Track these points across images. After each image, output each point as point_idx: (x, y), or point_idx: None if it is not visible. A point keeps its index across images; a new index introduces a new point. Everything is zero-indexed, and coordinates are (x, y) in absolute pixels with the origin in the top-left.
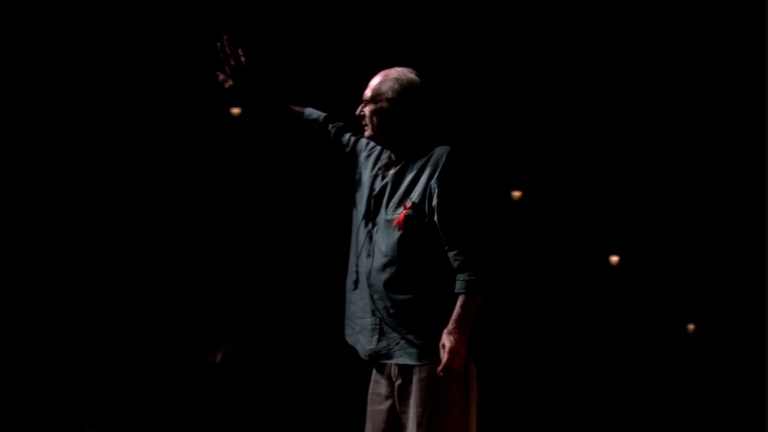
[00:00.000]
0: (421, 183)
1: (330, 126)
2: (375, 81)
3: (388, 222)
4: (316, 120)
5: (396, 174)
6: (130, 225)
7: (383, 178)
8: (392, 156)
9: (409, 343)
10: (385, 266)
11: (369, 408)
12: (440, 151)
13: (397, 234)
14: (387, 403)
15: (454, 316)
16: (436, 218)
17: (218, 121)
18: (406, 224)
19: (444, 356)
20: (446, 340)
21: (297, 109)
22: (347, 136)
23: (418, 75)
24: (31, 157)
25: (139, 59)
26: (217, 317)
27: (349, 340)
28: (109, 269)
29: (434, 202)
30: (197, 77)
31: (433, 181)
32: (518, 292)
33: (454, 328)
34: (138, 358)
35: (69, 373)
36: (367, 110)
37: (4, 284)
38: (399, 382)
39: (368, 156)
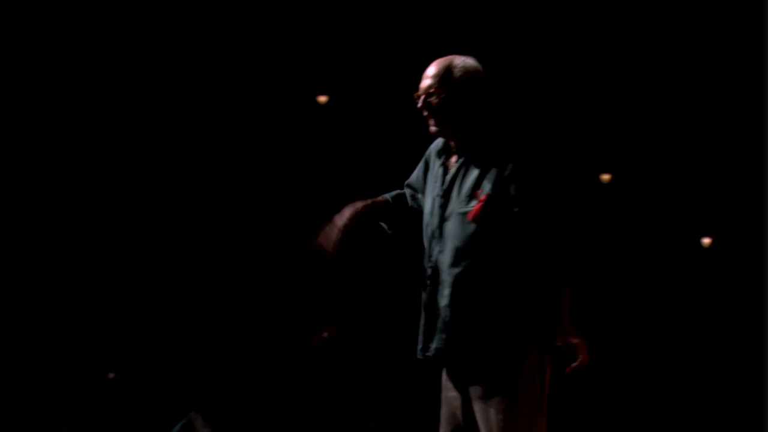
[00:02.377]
0: (494, 173)
1: (406, 194)
2: (435, 71)
3: (461, 215)
4: (401, 200)
5: (463, 165)
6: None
7: (446, 170)
8: (454, 146)
9: (484, 338)
10: (458, 260)
11: (443, 407)
12: (511, 139)
13: (471, 227)
14: (459, 398)
15: (562, 311)
16: (516, 208)
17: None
18: (482, 216)
19: (581, 354)
20: (572, 337)
21: (391, 204)
22: (412, 189)
23: (477, 61)
24: (33, 157)
25: (140, 59)
26: (319, 300)
27: (421, 338)
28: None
29: (513, 191)
30: (198, 76)
31: (509, 170)
32: (608, 279)
33: (567, 323)
34: (242, 341)
35: (175, 357)
36: (432, 102)
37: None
38: (473, 377)
39: (427, 166)
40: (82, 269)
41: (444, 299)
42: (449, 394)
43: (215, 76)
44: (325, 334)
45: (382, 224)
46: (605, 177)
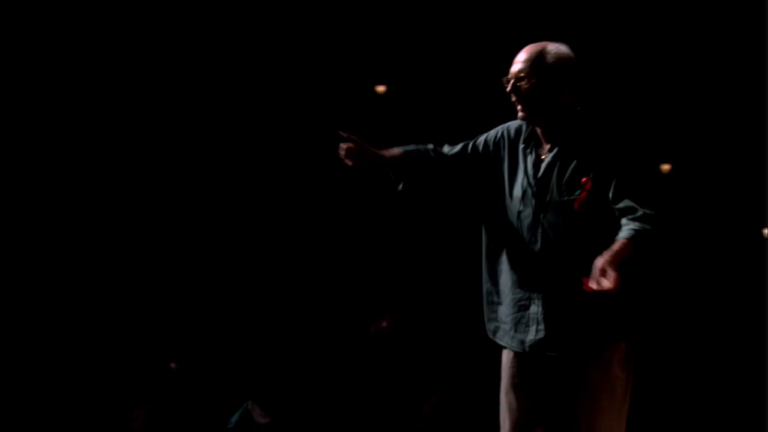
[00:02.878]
0: (594, 162)
1: (445, 151)
2: (527, 56)
3: (565, 204)
4: (426, 155)
5: (559, 153)
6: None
7: (538, 158)
8: (542, 134)
9: (583, 329)
10: (562, 251)
11: (510, 396)
12: (606, 124)
13: (577, 216)
14: (532, 392)
15: (617, 248)
16: (614, 191)
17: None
18: (589, 204)
19: (610, 274)
20: (608, 256)
21: (410, 155)
22: (460, 148)
23: (570, 49)
24: (33, 157)
25: (139, 59)
26: (378, 289)
27: (499, 336)
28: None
29: (617, 177)
30: (197, 77)
31: (609, 160)
32: (671, 270)
33: (613, 254)
34: (301, 331)
35: (235, 347)
36: (522, 87)
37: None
38: (559, 369)
39: (496, 144)
40: (143, 264)
41: (544, 290)
42: (525, 384)
43: (214, 76)
44: (384, 324)
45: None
46: (665, 167)
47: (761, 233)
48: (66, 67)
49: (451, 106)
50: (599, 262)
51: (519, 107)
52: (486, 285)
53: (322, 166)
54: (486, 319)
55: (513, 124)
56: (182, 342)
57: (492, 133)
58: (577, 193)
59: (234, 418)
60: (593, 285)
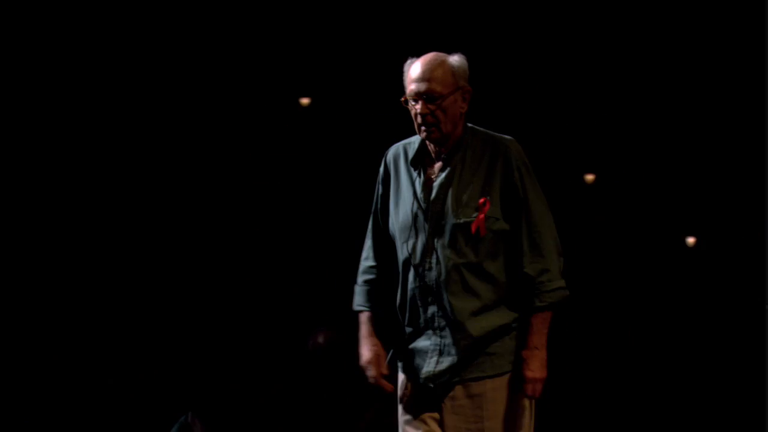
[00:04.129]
0: (491, 179)
1: (376, 268)
2: (435, 71)
3: (460, 226)
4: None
5: (452, 172)
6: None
7: (428, 180)
8: (435, 153)
9: (482, 356)
10: (457, 276)
11: (411, 427)
12: (501, 141)
13: (475, 238)
14: (433, 424)
15: (535, 335)
16: (514, 217)
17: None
18: (487, 226)
19: (530, 385)
20: (532, 366)
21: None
22: (373, 236)
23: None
24: (33, 157)
25: (138, 59)
26: (313, 303)
27: (402, 367)
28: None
29: (520, 197)
30: (195, 77)
31: (510, 177)
32: (594, 280)
33: (538, 351)
34: (239, 344)
35: (173, 359)
36: (436, 107)
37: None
38: (459, 399)
39: (386, 180)
40: (80, 269)
41: (435, 320)
42: (421, 409)
43: (212, 76)
44: (321, 339)
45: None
46: (589, 177)
47: (684, 242)
48: (66, 67)
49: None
50: (527, 367)
51: (428, 128)
52: (398, 303)
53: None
54: (392, 351)
55: (390, 151)
56: (119, 354)
57: (380, 175)
58: (475, 214)
59: (173, 430)
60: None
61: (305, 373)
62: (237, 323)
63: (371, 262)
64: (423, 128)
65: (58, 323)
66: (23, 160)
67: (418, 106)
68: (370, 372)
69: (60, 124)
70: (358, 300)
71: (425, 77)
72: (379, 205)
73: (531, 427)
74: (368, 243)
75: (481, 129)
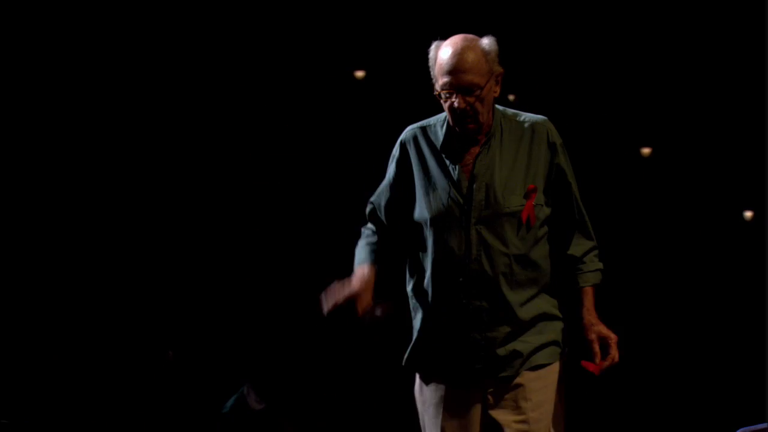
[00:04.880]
0: (535, 163)
1: (384, 227)
2: (466, 61)
3: (509, 215)
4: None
5: (490, 159)
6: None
7: (464, 165)
8: (469, 139)
9: (531, 346)
10: (507, 268)
11: (445, 424)
12: (537, 121)
13: (525, 227)
14: (474, 417)
15: (592, 307)
16: (561, 201)
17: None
18: (536, 214)
19: (613, 351)
20: (603, 332)
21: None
22: (386, 202)
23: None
24: (34, 157)
25: (138, 60)
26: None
27: (436, 368)
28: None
29: (566, 181)
30: (195, 77)
31: (555, 159)
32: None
33: (598, 320)
34: (299, 320)
35: (231, 334)
36: (473, 100)
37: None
38: (503, 393)
39: (403, 162)
40: (143, 255)
41: (494, 312)
42: (460, 409)
43: (212, 77)
44: (378, 311)
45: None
46: (646, 151)
47: (742, 216)
48: (66, 67)
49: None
50: (592, 336)
51: (468, 122)
52: (418, 311)
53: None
54: (412, 347)
55: (407, 132)
56: (180, 329)
57: (395, 156)
58: (521, 201)
59: (229, 403)
60: (602, 363)
61: (360, 347)
62: (290, 298)
63: (374, 238)
64: (461, 122)
65: (97, 311)
66: (23, 160)
67: (456, 101)
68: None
69: (60, 124)
70: (361, 256)
71: (460, 68)
72: (393, 188)
73: (564, 414)
74: (370, 227)
75: (509, 109)
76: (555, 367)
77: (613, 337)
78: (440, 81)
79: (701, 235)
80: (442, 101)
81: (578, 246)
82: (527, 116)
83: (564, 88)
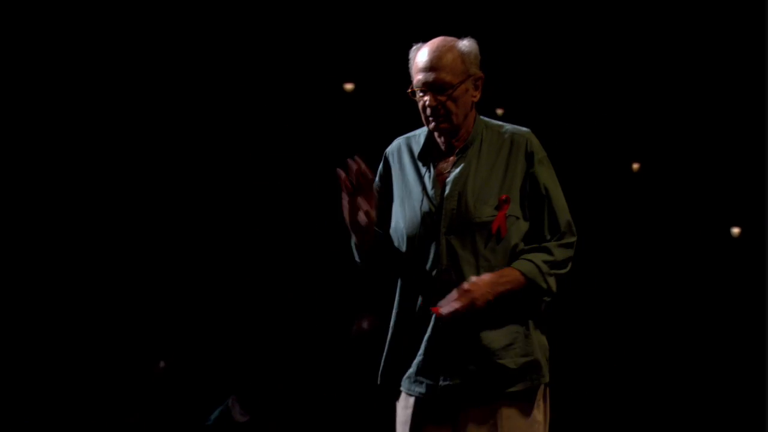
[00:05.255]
0: (511, 174)
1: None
2: (440, 59)
3: (479, 226)
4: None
5: (465, 167)
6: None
7: (438, 173)
8: (447, 145)
9: (499, 368)
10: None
11: None
12: (517, 132)
13: (494, 239)
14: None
15: (491, 277)
16: (536, 215)
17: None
18: (508, 225)
19: (461, 297)
20: (474, 284)
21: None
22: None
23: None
24: (34, 157)
25: (139, 60)
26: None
27: (403, 383)
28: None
29: (541, 194)
30: (195, 77)
31: (532, 171)
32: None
33: (479, 285)
34: (280, 329)
35: (215, 345)
36: (444, 98)
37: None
38: (474, 414)
39: (386, 175)
40: (132, 264)
41: (455, 327)
42: (428, 429)
43: (212, 77)
44: (365, 324)
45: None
46: (635, 166)
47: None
48: (66, 67)
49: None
50: (466, 284)
51: (439, 121)
52: (391, 324)
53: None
54: (384, 364)
55: (392, 145)
56: (169, 340)
57: (379, 171)
58: (492, 212)
59: (213, 415)
60: (443, 309)
61: (348, 358)
62: (285, 308)
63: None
64: (432, 121)
65: (95, 316)
66: (23, 160)
67: (427, 98)
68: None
69: (60, 125)
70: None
71: (433, 66)
72: (379, 201)
73: None
74: None
75: (494, 120)
76: (533, 394)
77: (467, 289)
78: (414, 79)
79: (698, 244)
80: (417, 101)
81: (536, 252)
82: (510, 127)
83: (555, 100)
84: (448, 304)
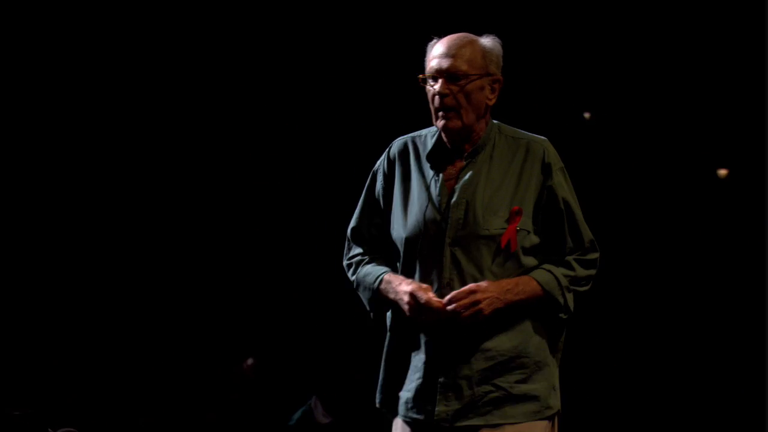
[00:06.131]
0: (525, 184)
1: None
2: (460, 49)
3: (487, 238)
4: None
5: (475, 173)
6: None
7: (446, 179)
8: (456, 149)
9: (506, 393)
10: None
11: None
12: (533, 140)
13: (503, 253)
14: None
15: (507, 283)
16: (552, 229)
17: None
18: (519, 239)
19: (464, 299)
20: (481, 286)
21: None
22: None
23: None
24: (35, 157)
25: (139, 60)
26: None
27: (400, 408)
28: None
29: (555, 208)
30: (196, 77)
31: (549, 182)
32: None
33: (504, 290)
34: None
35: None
36: (457, 89)
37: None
38: None
39: (389, 174)
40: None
41: (457, 350)
42: None
43: (212, 77)
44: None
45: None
46: (722, 172)
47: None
48: (66, 68)
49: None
50: (473, 284)
51: (447, 113)
52: (386, 344)
53: None
54: (380, 386)
55: (395, 144)
56: (257, 339)
57: (380, 168)
58: (502, 224)
59: (296, 416)
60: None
61: None
62: (360, 312)
63: (366, 257)
64: (441, 113)
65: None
66: (23, 160)
67: (438, 86)
68: (421, 295)
69: (60, 125)
70: (369, 271)
71: (450, 53)
72: (376, 205)
73: None
74: (354, 250)
75: (508, 126)
76: (535, 427)
77: (472, 290)
78: (428, 67)
79: (698, 244)
80: (427, 91)
81: (556, 265)
82: (525, 135)
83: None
84: (451, 306)
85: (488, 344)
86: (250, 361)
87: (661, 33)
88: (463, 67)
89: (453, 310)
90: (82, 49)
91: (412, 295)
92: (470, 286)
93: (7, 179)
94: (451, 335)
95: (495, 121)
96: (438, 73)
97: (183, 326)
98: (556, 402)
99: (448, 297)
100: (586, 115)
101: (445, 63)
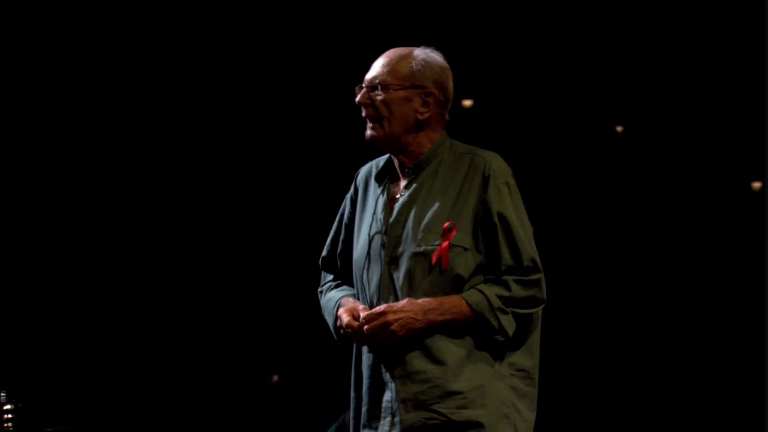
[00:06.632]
0: (463, 200)
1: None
2: (388, 59)
3: (419, 255)
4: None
5: (415, 190)
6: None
7: (391, 198)
8: (400, 167)
9: (446, 423)
10: None
11: None
12: (479, 155)
13: (436, 270)
14: None
15: (442, 303)
16: (490, 246)
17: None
18: (452, 256)
19: (372, 321)
20: (392, 307)
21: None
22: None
23: (443, 57)
24: (35, 157)
25: (139, 60)
26: None
27: (354, 426)
28: None
29: (489, 222)
30: (196, 77)
31: (486, 197)
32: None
33: (428, 306)
34: None
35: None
36: (378, 98)
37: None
38: None
39: (356, 189)
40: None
41: (399, 370)
42: None
43: (212, 78)
44: None
45: None
46: (756, 185)
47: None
48: (66, 68)
49: None
50: (382, 306)
51: (370, 123)
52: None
53: None
54: (351, 407)
55: (362, 170)
56: (284, 353)
57: (347, 197)
58: (436, 241)
59: (331, 430)
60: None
61: None
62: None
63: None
64: (366, 124)
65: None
66: (23, 160)
67: (359, 95)
68: (344, 318)
69: (60, 125)
70: (331, 296)
71: (378, 64)
72: (342, 233)
73: None
74: (326, 278)
75: (463, 144)
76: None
77: (380, 312)
78: None
79: (698, 244)
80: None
81: (491, 284)
82: (476, 150)
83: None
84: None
85: (417, 366)
86: (275, 378)
87: (696, 48)
88: (385, 77)
89: (367, 333)
90: (82, 49)
91: (341, 318)
92: (382, 306)
93: (7, 179)
94: (382, 357)
95: (449, 139)
96: (364, 83)
97: (209, 345)
98: (508, 430)
99: (361, 318)
100: (619, 128)
101: (369, 73)
